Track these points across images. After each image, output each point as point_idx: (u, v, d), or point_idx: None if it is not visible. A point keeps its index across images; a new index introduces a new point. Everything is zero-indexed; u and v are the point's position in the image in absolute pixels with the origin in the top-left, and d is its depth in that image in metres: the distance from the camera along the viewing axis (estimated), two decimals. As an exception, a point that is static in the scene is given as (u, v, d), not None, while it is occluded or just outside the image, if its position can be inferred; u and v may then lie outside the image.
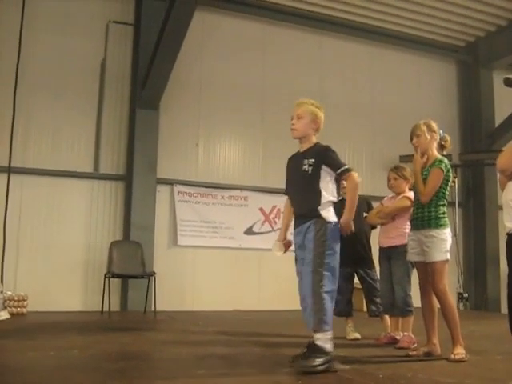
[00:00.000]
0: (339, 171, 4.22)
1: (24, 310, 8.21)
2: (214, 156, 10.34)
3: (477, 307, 11.73)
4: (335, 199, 4.27)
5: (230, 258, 10.06)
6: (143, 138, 9.47)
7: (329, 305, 4.01)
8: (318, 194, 4.20)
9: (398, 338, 5.54)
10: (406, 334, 5.42)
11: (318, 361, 3.88)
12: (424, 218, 4.83)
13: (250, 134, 10.64)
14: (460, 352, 4.65)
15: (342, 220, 4.22)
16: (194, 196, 10.01)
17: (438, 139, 5.06)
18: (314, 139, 4.43)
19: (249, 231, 10.32)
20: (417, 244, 4.88)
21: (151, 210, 9.46)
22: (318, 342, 3.96)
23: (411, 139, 5.07)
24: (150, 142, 9.54)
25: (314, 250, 4.08)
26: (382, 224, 5.82)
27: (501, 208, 11.72)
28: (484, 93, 12.40)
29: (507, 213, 3.36)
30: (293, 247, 4.50)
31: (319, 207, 4.16)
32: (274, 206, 10.45)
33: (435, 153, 4.99)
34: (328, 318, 3.99)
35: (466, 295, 11.02)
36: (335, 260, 4.12)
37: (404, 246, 5.40)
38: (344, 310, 5.95)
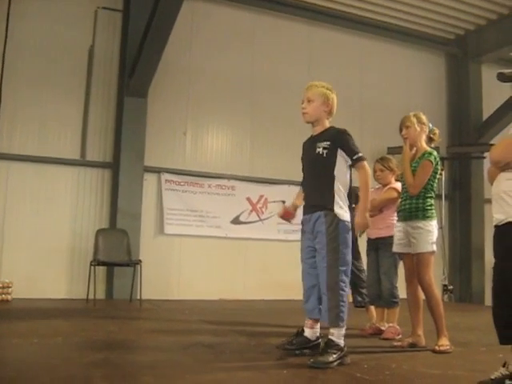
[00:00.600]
0: (354, 157, 4.13)
1: (9, 297, 8.17)
2: (201, 145, 10.31)
3: (461, 299, 11.83)
4: (347, 189, 4.17)
5: (216, 247, 10.06)
6: (131, 126, 9.42)
7: (345, 300, 3.99)
8: (332, 180, 4.09)
9: (382, 328, 5.56)
10: (391, 324, 5.45)
11: (334, 356, 3.86)
12: (412, 209, 4.84)
13: (238, 123, 10.62)
14: (444, 343, 4.70)
15: (357, 220, 4.15)
16: (181, 185, 9.98)
17: (427, 132, 5.06)
18: (327, 123, 4.34)
19: (235, 220, 10.32)
20: (403, 235, 4.90)
21: (138, 198, 9.43)
22: (332, 338, 3.95)
23: (400, 130, 5.08)
24: (138, 129, 9.50)
25: (327, 244, 4.01)
26: (369, 216, 5.81)
27: (487, 201, 11.82)
28: (473, 86, 12.44)
29: (497, 204, 3.37)
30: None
31: (332, 198, 4.06)
32: (261, 196, 10.45)
33: (424, 145, 5.00)
34: (344, 314, 3.97)
35: (450, 287, 11.09)
36: (349, 253, 4.09)
37: (391, 237, 5.42)
38: None
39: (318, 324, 4.30)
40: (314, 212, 4.14)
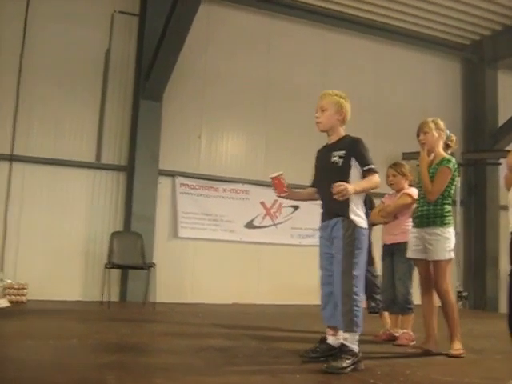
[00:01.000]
0: (365, 168, 4.10)
1: (24, 299, 8.22)
2: (216, 149, 10.33)
3: (476, 306, 11.73)
4: (363, 196, 4.19)
5: (230, 251, 10.06)
6: (146, 129, 9.45)
7: (359, 305, 3.98)
8: None
9: (396, 335, 5.54)
10: (405, 331, 5.42)
11: (347, 362, 3.85)
12: (430, 215, 4.84)
13: (252, 127, 10.62)
14: (459, 347, 4.71)
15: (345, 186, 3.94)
16: (196, 188, 10.00)
17: (445, 138, 5.06)
18: (342, 131, 4.34)
19: (249, 225, 10.32)
20: (419, 241, 4.89)
21: (152, 201, 9.46)
22: (346, 343, 3.94)
23: (418, 136, 5.09)
24: (153, 133, 9.53)
25: (343, 249, 4.01)
26: (384, 223, 5.80)
27: (502, 208, 11.73)
28: (488, 92, 12.37)
29: (513, 211, 3.36)
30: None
31: (347, 206, 4.04)
32: (276, 200, 10.43)
33: (441, 151, 5.00)
34: (359, 319, 3.96)
35: (465, 294, 11.01)
36: (365, 260, 4.09)
37: (407, 242, 5.44)
38: None
39: (341, 331, 4.27)
40: (332, 218, 4.15)
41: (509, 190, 3.48)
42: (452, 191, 4.95)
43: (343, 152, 4.14)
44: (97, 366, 3.82)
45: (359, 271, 4.01)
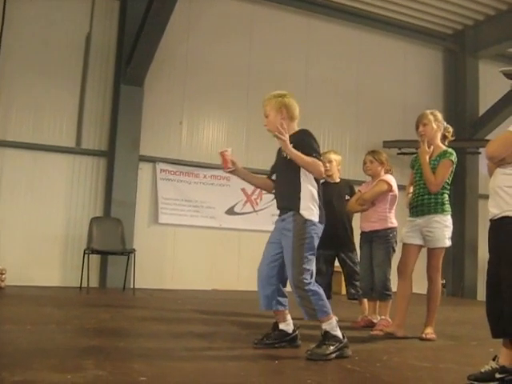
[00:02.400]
0: (308, 154, 4.03)
1: (2, 284, 8.15)
2: (197, 135, 10.30)
3: (454, 294, 11.86)
4: (315, 189, 4.12)
5: (210, 237, 10.06)
6: (127, 115, 9.39)
7: (316, 295, 3.96)
8: (298, 182, 4.09)
9: (374, 321, 5.58)
10: (383, 317, 5.47)
11: (331, 349, 3.85)
12: (431, 203, 4.97)
13: (234, 114, 10.60)
14: (431, 332, 4.92)
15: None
16: (177, 174, 9.97)
17: (442, 130, 5.15)
18: (295, 127, 4.27)
19: (230, 211, 10.32)
20: (416, 228, 5.01)
21: (133, 187, 9.41)
22: (327, 329, 3.93)
23: (417, 128, 5.14)
24: (134, 118, 9.47)
25: (293, 243, 4.01)
26: (362, 210, 5.83)
27: (481, 197, 11.83)
28: (469, 81, 12.43)
29: (493, 199, 3.40)
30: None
31: (298, 200, 4.05)
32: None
33: (440, 143, 5.11)
34: (320, 305, 3.95)
35: (443, 281, 11.09)
36: (314, 254, 4.07)
37: (386, 229, 5.56)
38: (323, 292, 5.97)
39: (289, 315, 4.29)
40: (285, 212, 4.14)
41: (491, 177, 3.52)
42: (450, 181, 5.09)
43: (291, 145, 4.05)
44: (75, 351, 3.82)
45: (309, 265, 4.00)
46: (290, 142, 4.05)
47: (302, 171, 4.09)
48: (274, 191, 4.44)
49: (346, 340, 3.97)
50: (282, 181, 4.27)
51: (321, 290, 4.02)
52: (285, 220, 4.13)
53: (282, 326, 4.27)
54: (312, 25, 11.37)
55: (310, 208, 4.06)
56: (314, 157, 4.04)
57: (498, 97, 11.57)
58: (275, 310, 4.27)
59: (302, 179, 4.09)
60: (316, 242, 4.08)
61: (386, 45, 12.04)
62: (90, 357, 3.56)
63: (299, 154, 3.99)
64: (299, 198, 4.06)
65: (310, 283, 3.96)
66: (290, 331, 4.26)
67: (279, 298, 4.22)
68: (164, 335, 4.77)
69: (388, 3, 11.37)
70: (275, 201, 4.35)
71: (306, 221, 4.02)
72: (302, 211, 4.04)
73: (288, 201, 4.14)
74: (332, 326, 3.96)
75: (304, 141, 4.11)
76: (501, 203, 3.33)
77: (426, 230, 4.97)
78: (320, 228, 4.11)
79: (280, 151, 4.31)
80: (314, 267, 4.07)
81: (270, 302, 4.23)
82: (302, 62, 11.01)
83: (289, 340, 4.24)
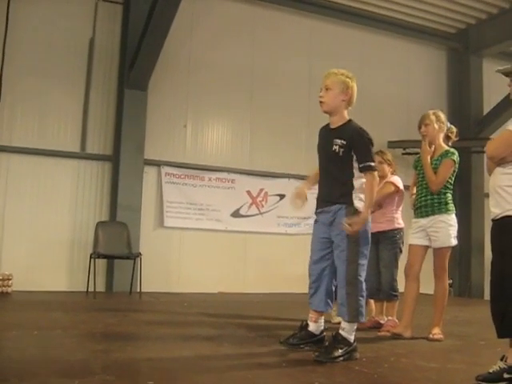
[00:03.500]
0: (362, 165, 3.94)
1: (9, 290, 8.18)
2: (201, 138, 10.30)
3: (461, 293, 11.83)
4: (364, 181, 4.00)
5: (216, 240, 10.06)
6: (131, 119, 9.40)
7: (363, 295, 3.93)
8: (350, 176, 3.97)
9: (382, 322, 5.57)
10: (390, 318, 5.46)
11: (340, 351, 3.82)
12: (434, 204, 4.99)
13: (238, 116, 10.59)
14: (438, 332, 4.90)
15: (355, 218, 3.87)
16: (181, 178, 9.98)
17: (445, 130, 5.15)
18: (346, 114, 4.15)
19: (235, 214, 10.31)
20: (422, 229, 5.02)
21: (138, 190, 9.42)
22: (342, 332, 3.90)
23: (419, 128, 5.16)
24: (138, 122, 9.48)
25: (347, 237, 3.87)
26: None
27: (487, 196, 11.77)
28: (473, 80, 12.41)
29: (493, 198, 3.40)
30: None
31: (351, 193, 3.94)
32: (261, 189, 10.45)
33: (442, 143, 5.13)
34: (364, 309, 3.94)
35: (450, 281, 11.06)
36: (368, 248, 4.01)
37: (392, 230, 5.56)
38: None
39: (322, 317, 4.26)
40: (334, 204, 4.00)
41: (490, 175, 3.52)
42: (452, 180, 5.11)
43: (343, 142, 3.96)
44: (83, 356, 3.81)
45: (364, 260, 3.94)
46: (339, 133, 3.99)
47: (355, 166, 3.98)
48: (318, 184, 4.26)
49: (355, 344, 3.94)
50: (333, 177, 4.08)
51: (365, 293, 3.98)
52: (336, 213, 3.97)
53: (311, 327, 4.22)
54: (314, 26, 11.35)
55: (362, 199, 3.96)
56: (370, 166, 3.94)
57: (503, 95, 11.49)
58: (323, 311, 4.21)
59: (354, 172, 3.98)
60: (369, 236, 4.01)
61: (389, 45, 12.02)
62: (98, 361, 3.56)
63: (368, 202, 3.91)
64: (351, 190, 3.96)
65: (362, 281, 3.92)
66: (318, 333, 4.22)
67: (328, 300, 4.14)
68: (171, 339, 4.77)
69: (390, 3, 11.36)
70: (318, 191, 4.20)
71: (359, 212, 3.91)
72: (356, 204, 3.93)
73: (339, 194, 4.00)
74: (351, 329, 3.94)
75: (363, 146, 3.99)
76: (502, 203, 3.33)
77: (431, 230, 4.97)
78: (370, 220, 4.03)
79: (325, 139, 4.16)
80: (366, 264, 4.00)
81: (321, 302, 4.14)
82: (305, 63, 10.99)
83: (315, 341, 4.19)
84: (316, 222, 4.20)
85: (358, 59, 11.62)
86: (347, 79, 4.10)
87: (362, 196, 3.96)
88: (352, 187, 3.97)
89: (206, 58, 10.30)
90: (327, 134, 4.16)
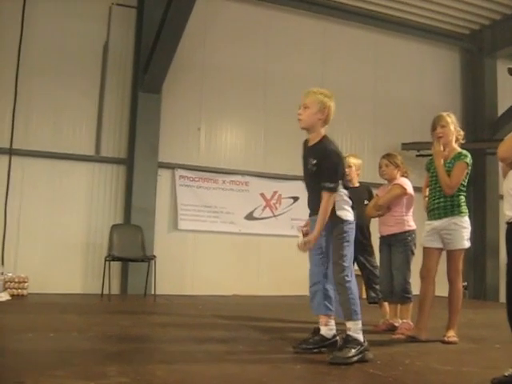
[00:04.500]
0: (322, 184, 4.08)
1: (24, 292, 8.23)
2: (215, 141, 10.33)
3: (476, 296, 11.76)
4: (345, 192, 4.20)
5: (230, 242, 10.07)
6: (145, 122, 9.44)
7: (355, 294, 4.05)
8: None
9: (396, 324, 5.56)
10: (404, 321, 5.44)
11: (352, 352, 3.87)
12: (447, 206, 4.98)
13: (252, 119, 10.61)
14: (453, 335, 4.88)
15: (308, 236, 4.13)
16: (196, 180, 10.00)
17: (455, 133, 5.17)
18: (323, 131, 4.26)
19: (249, 216, 10.32)
20: (435, 232, 5.01)
21: (152, 193, 9.46)
22: (350, 333, 3.97)
23: (433, 129, 5.12)
24: (152, 125, 9.52)
25: (332, 243, 4.13)
26: (379, 216, 5.82)
27: (501, 197, 11.73)
28: (487, 82, 12.34)
29: (507, 201, 3.38)
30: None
31: (334, 204, 4.11)
32: (275, 192, 10.46)
33: (455, 146, 5.12)
34: (357, 307, 4.02)
35: (465, 284, 11.02)
36: (352, 251, 4.17)
37: (404, 233, 5.55)
38: None
39: (333, 321, 4.30)
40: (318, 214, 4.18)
41: (504, 178, 3.49)
42: (465, 183, 5.10)
43: (315, 161, 4.17)
44: (98, 358, 3.84)
45: (348, 262, 4.10)
46: (313, 153, 4.21)
47: None
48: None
49: (366, 343, 3.98)
50: (313, 191, 4.29)
51: (357, 292, 4.10)
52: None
53: (322, 331, 4.28)
54: (328, 28, 11.35)
55: (344, 208, 4.16)
56: (326, 187, 4.07)
57: (517, 96, 11.48)
58: (324, 314, 4.29)
59: None
60: (353, 240, 4.19)
61: (402, 46, 11.99)
62: (113, 363, 3.58)
63: (320, 223, 4.07)
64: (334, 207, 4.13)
65: (350, 281, 4.05)
66: (330, 336, 4.27)
67: (326, 302, 4.25)
68: (186, 341, 4.79)
69: (403, 5, 11.33)
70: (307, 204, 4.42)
71: (342, 221, 4.12)
72: (337, 213, 4.12)
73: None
74: (357, 328, 3.98)
75: (328, 167, 4.13)
76: None
77: (444, 232, 4.96)
78: (354, 225, 4.22)
79: (304, 156, 4.38)
80: (352, 265, 4.19)
81: (320, 306, 4.27)
82: (319, 65, 10.99)
83: (328, 345, 4.23)
84: (310, 232, 4.32)
85: (371, 61, 11.63)
86: (325, 98, 4.23)
87: (343, 205, 4.17)
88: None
89: (220, 60, 10.33)
90: (306, 151, 4.39)
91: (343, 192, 4.19)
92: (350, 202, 4.22)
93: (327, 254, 4.21)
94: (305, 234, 4.37)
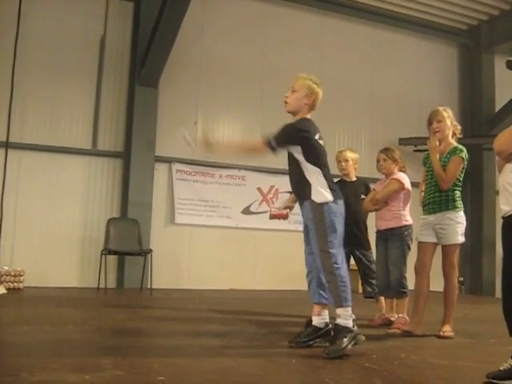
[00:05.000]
0: (266, 137, 4.24)
1: (20, 285, 8.24)
2: (212, 135, 10.29)
3: (472, 291, 11.79)
4: (320, 171, 4.15)
5: (226, 237, 10.07)
6: (142, 116, 9.43)
7: (344, 280, 4.00)
8: (301, 170, 4.17)
9: (392, 319, 5.56)
10: (400, 315, 5.44)
11: (345, 341, 3.86)
12: (441, 201, 4.98)
13: (249, 113, 10.59)
14: (448, 330, 4.89)
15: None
16: (192, 174, 9.99)
17: (452, 127, 5.16)
18: (308, 116, 4.33)
19: (246, 211, 10.32)
20: (430, 226, 5.01)
21: (149, 187, 9.45)
22: (339, 320, 3.95)
23: (430, 124, 5.12)
24: (149, 119, 9.50)
25: (316, 230, 4.06)
26: (376, 210, 5.81)
27: (498, 193, 11.78)
28: (485, 77, 12.33)
29: (503, 196, 3.38)
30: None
31: (308, 188, 4.12)
32: (272, 186, 10.45)
33: (451, 140, 5.11)
34: (346, 293, 3.98)
35: (461, 279, 11.06)
36: (338, 236, 4.10)
37: (400, 227, 5.55)
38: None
39: (326, 310, 4.30)
40: (301, 200, 4.24)
41: (500, 173, 3.49)
42: (461, 178, 5.10)
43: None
44: (93, 352, 3.85)
45: (335, 249, 4.04)
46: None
47: (300, 160, 4.17)
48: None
49: (356, 328, 3.98)
50: (291, 174, 4.33)
51: (347, 278, 4.05)
52: (304, 209, 4.20)
53: (315, 321, 4.28)
54: (325, 22, 11.33)
55: (320, 191, 4.10)
56: (268, 142, 4.21)
57: (515, 92, 11.47)
58: (317, 302, 4.28)
59: (303, 168, 4.16)
60: (338, 222, 4.10)
61: (400, 41, 11.98)
62: (108, 357, 3.58)
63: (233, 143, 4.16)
64: (309, 186, 4.13)
65: (339, 268, 4.01)
66: (323, 326, 4.26)
67: (320, 290, 4.24)
68: (182, 335, 4.79)
69: (401, 0, 11.32)
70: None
71: (322, 205, 4.07)
72: (313, 197, 4.10)
73: (300, 191, 4.23)
74: (347, 315, 3.97)
75: (278, 129, 4.28)
76: (511, 200, 3.30)
77: (438, 227, 4.96)
78: (338, 206, 4.13)
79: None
80: (341, 250, 4.12)
81: (314, 293, 4.28)
82: (316, 59, 10.97)
83: (321, 335, 4.23)
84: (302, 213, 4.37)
85: (368, 56, 11.62)
86: (313, 85, 4.32)
87: (319, 188, 4.11)
88: (307, 182, 4.14)
89: (217, 55, 10.31)
90: None
91: (316, 170, 4.15)
92: (326, 182, 4.14)
93: (312, 241, 4.14)
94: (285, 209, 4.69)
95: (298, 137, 4.20)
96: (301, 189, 4.20)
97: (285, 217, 4.58)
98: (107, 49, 9.67)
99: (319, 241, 4.05)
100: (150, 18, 9.07)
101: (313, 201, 4.09)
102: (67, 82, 9.33)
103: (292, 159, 4.22)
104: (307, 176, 4.14)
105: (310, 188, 4.11)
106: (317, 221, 4.06)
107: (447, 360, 3.95)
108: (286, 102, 4.37)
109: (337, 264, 4.00)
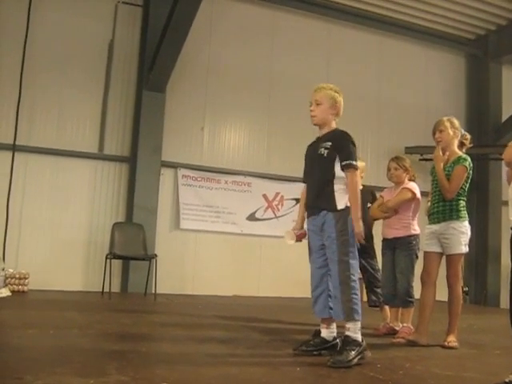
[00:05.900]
0: (344, 163, 4.10)
1: (25, 288, 8.25)
2: (219, 141, 10.33)
3: (476, 301, 11.75)
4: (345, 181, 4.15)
5: (231, 243, 10.07)
6: (149, 121, 9.45)
7: (357, 293, 4.00)
8: (332, 179, 4.13)
9: (397, 328, 5.54)
10: (405, 325, 5.42)
11: (352, 354, 3.85)
12: (445, 211, 4.97)
13: (255, 120, 10.61)
14: (453, 340, 4.87)
15: (355, 230, 4.06)
16: (198, 180, 10.00)
17: (459, 137, 5.13)
18: (334, 125, 4.34)
19: (251, 217, 10.32)
20: (434, 236, 5.01)
21: (154, 192, 9.46)
22: (349, 333, 3.94)
23: (434, 134, 5.15)
24: (156, 124, 9.52)
25: (337, 239, 4.04)
26: (385, 218, 5.79)
27: (504, 203, 11.75)
28: (492, 87, 12.33)
29: (512, 207, 3.37)
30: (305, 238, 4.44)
31: (335, 199, 4.09)
32: (278, 193, 10.45)
33: (456, 150, 5.11)
34: (358, 307, 3.98)
35: (466, 289, 11.03)
36: (356, 247, 4.10)
37: (409, 236, 5.53)
38: None
39: (334, 323, 4.28)
40: (321, 211, 4.17)
41: (510, 184, 3.48)
42: (466, 187, 5.07)
43: (329, 143, 4.18)
44: (98, 356, 3.84)
45: (354, 259, 4.05)
46: (326, 139, 4.23)
47: (337, 168, 4.14)
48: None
49: (364, 343, 3.97)
50: (316, 177, 4.28)
51: (359, 292, 4.06)
52: (324, 218, 4.14)
53: (324, 333, 4.27)
54: (333, 30, 11.36)
55: (346, 202, 4.11)
56: (351, 165, 4.11)
57: (522, 102, 11.46)
58: (325, 317, 4.25)
59: (336, 178, 4.14)
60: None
61: (407, 50, 11.99)
62: (113, 362, 3.58)
63: (354, 208, 4.08)
64: (334, 196, 4.12)
65: (355, 280, 4.01)
66: (331, 339, 4.25)
67: (330, 304, 4.19)
68: (186, 340, 4.78)
69: (409, 8, 11.33)
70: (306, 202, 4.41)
71: (346, 215, 4.07)
72: (339, 208, 4.09)
73: (324, 199, 4.17)
74: (356, 328, 3.97)
75: (345, 146, 4.17)
76: None
77: (442, 236, 4.95)
78: None
79: (313, 148, 4.38)
80: (357, 264, 4.12)
81: (325, 308, 4.21)
82: (323, 67, 10.99)
83: (328, 348, 4.20)
84: (309, 231, 4.35)
85: (376, 64, 11.64)
86: (335, 94, 4.33)
87: (345, 196, 4.12)
88: (334, 193, 4.13)
89: (225, 60, 10.34)
90: (315, 144, 4.38)
91: (344, 179, 4.14)
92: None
93: (329, 250, 4.10)
94: (298, 236, 4.40)
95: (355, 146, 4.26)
96: (325, 197, 4.16)
97: (305, 235, 4.54)
98: (115, 53, 9.71)
99: (339, 251, 4.02)
100: (158, 23, 9.10)
101: (338, 211, 4.08)
102: (75, 85, 9.36)
103: (324, 163, 4.18)
104: (336, 187, 4.13)
105: (335, 198, 4.11)
106: (340, 229, 4.05)
107: (452, 371, 3.93)
108: (312, 116, 4.33)
109: (353, 276, 4.00)
